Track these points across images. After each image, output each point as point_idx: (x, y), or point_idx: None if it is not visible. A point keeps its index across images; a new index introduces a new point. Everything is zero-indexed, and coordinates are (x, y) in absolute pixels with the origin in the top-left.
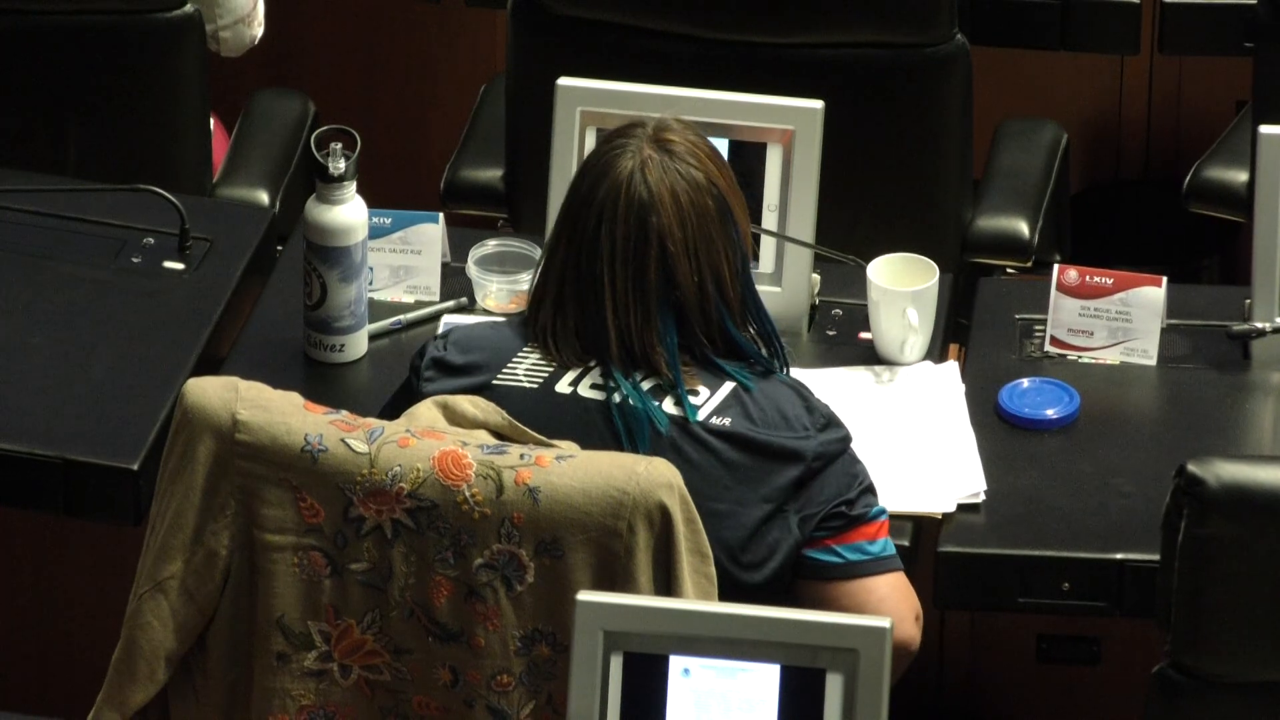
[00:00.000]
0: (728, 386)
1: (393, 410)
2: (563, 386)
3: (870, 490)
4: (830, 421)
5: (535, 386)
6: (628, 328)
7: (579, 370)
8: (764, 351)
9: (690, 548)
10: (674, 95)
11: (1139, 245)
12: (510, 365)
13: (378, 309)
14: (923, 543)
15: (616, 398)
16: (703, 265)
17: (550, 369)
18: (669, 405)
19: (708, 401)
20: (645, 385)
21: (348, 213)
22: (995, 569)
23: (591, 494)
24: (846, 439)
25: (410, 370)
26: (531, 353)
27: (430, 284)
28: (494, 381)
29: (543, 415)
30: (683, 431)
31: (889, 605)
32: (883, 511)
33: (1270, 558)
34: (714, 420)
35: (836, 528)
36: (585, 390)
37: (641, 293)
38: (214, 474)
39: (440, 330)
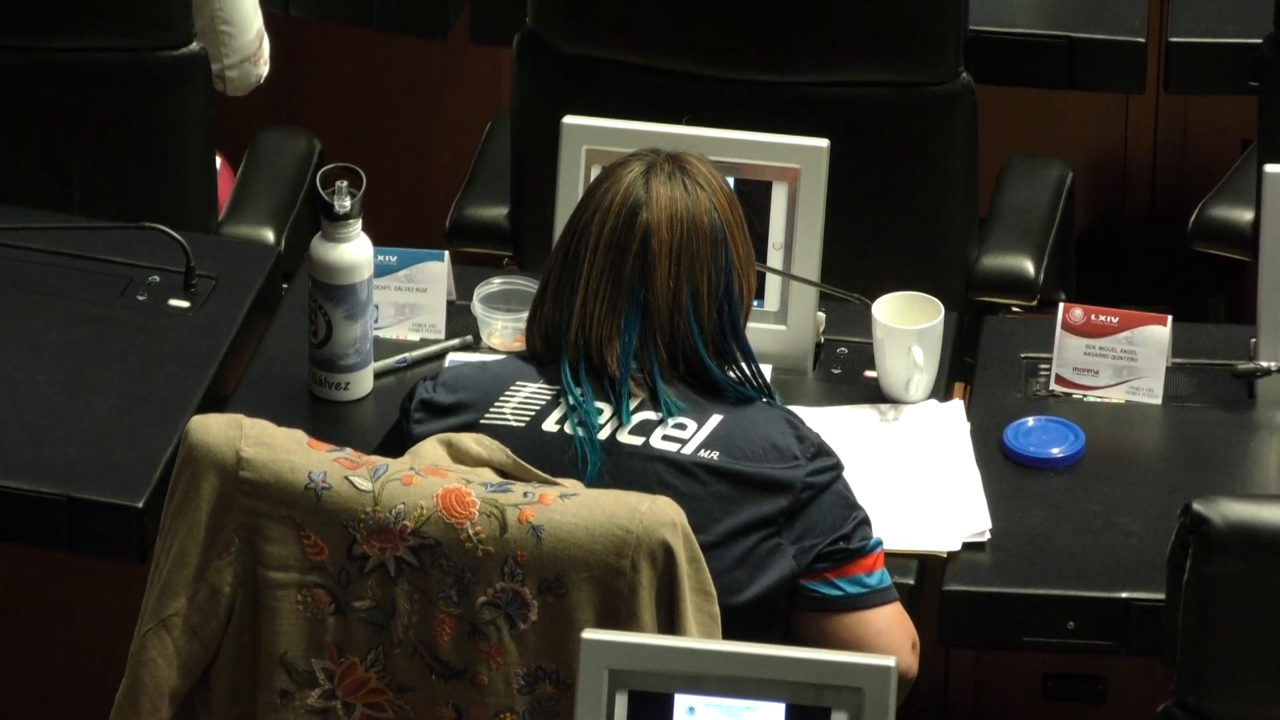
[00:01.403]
0: (714, 420)
1: (383, 453)
2: (549, 425)
3: (866, 522)
4: (820, 450)
5: (522, 425)
6: (591, 315)
7: (566, 408)
8: (747, 388)
9: (694, 586)
10: (679, 133)
11: (1144, 284)
12: (498, 404)
13: (383, 347)
14: (928, 581)
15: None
16: (681, 274)
17: (539, 406)
18: (621, 431)
19: (695, 435)
20: (599, 403)
21: (353, 250)
22: (1000, 608)
23: (595, 532)
24: (838, 467)
25: (400, 412)
26: (521, 388)
27: (435, 322)
28: (481, 421)
29: (530, 454)
30: (671, 465)
31: (888, 637)
32: (879, 543)
33: (1276, 596)
34: (701, 454)
35: (835, 561)
36: (571, 428)
37: (615, 283)
38: (218, 511)
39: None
